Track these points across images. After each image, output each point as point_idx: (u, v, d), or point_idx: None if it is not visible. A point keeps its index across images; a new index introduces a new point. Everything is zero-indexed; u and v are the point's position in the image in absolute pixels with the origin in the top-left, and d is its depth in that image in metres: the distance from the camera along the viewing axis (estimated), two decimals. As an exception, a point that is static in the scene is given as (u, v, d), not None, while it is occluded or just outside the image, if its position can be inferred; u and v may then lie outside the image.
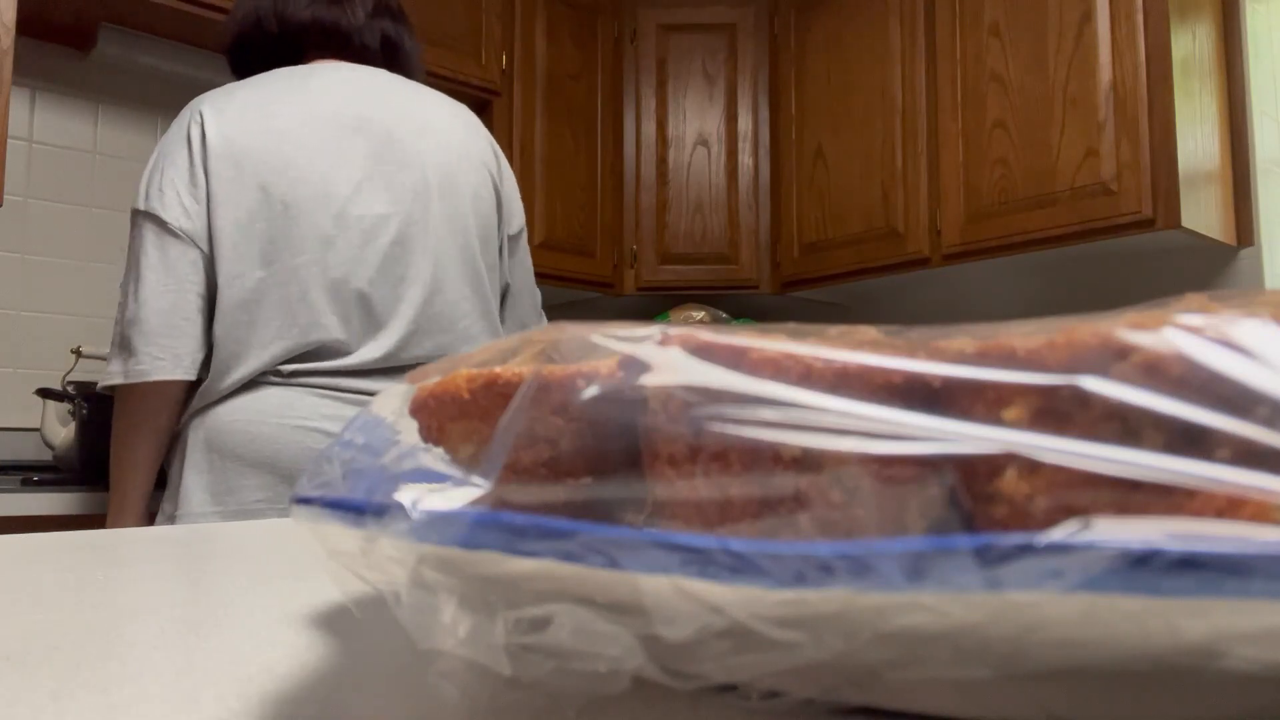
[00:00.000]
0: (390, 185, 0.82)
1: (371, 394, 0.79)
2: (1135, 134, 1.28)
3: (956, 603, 0.10)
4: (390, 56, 0.92)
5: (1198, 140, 1.31)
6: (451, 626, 0.13)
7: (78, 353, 1.44)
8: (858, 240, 1.71)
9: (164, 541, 0.41)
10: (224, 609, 0.25)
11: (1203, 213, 1.31)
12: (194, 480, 0.77)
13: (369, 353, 0.79)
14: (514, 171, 1.87)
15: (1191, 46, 1.32)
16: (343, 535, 0.16)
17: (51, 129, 1.65)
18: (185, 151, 0.79)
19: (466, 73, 1.80)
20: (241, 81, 0.86)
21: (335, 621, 0.23)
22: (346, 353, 0.79)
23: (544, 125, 1.92)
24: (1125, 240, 1.35)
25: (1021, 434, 0.17)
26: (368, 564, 0.14)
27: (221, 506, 0.76)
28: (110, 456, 0.82)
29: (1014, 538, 0.13)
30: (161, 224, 0.78)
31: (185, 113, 0.83)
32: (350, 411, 0.77)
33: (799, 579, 0.12)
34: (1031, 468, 0.16)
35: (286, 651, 0.20)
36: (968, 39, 1.50)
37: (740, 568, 0.13)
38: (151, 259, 0.77)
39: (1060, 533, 0.13)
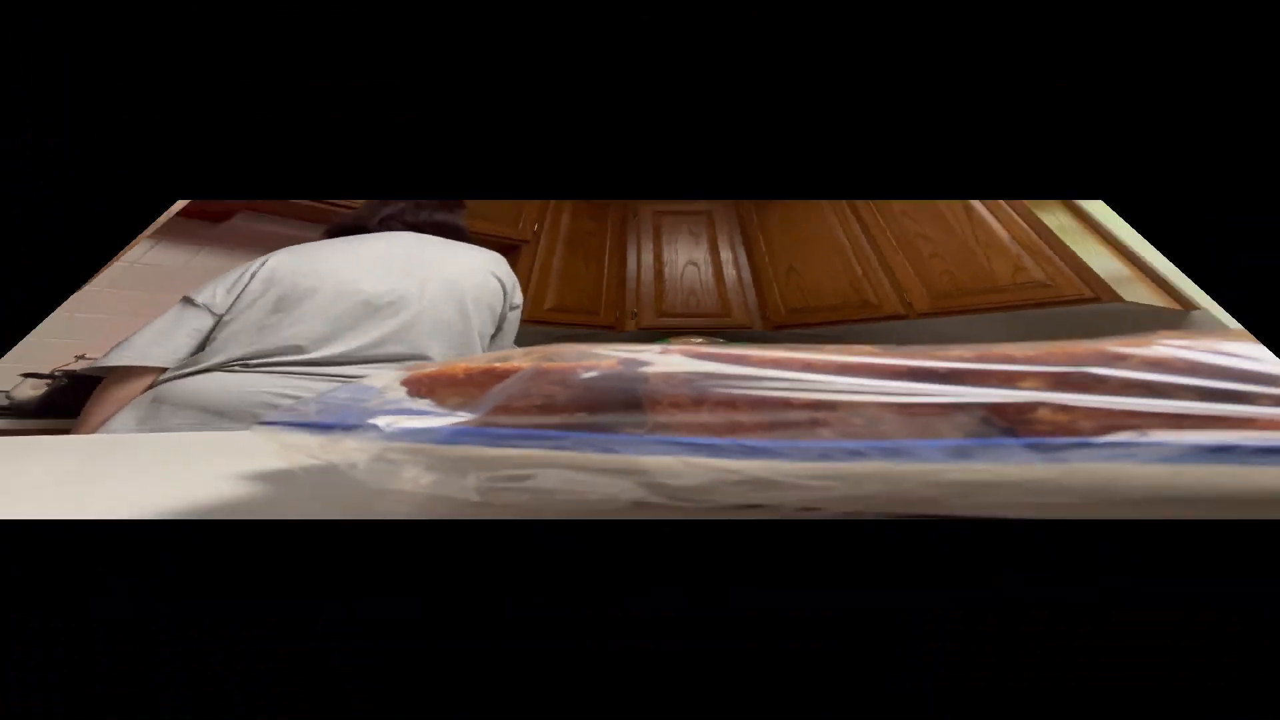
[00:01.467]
0: (401, 279, 0.92)
1: (334, 374, 0.83)
2: (1049, 260, 1.40)
3: (1013, 470, 0.09)
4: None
5: (1106, 257, 1.40)
6: (412, 480, 0.11)
7: (80, 359, 1.42)
8: (839, 307, 1.95)
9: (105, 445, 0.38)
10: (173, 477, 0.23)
11: (1141, 292, 1.33)
12: (127, 415, 0.75)
13: (334, 348, 0.84)
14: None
15: (1065, 212, 1.50)
16: (306, 441, 0.14)
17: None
18: (239, 271, 0.89)
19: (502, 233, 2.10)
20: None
21: (279, 476, 0.22)
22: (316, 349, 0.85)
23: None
24: (1080, 308, 1.39)
25: (1046, 394, 0.16)
26: (325, 453, 0.12)
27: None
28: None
29: (1067, 440, 0.11)
30: (189, 301, 0.86)
31: None
32: (308, 383, 0.80)
33: (824, 457, 0.10)
34: (1064, 407, 0.15)
35: (231, 485, 0.20)
36: (886, 215, 1.84)
37: (757, 454, 0.11)
38: (167, 316, 0.85)
39: (1121, 436, 0.11)
